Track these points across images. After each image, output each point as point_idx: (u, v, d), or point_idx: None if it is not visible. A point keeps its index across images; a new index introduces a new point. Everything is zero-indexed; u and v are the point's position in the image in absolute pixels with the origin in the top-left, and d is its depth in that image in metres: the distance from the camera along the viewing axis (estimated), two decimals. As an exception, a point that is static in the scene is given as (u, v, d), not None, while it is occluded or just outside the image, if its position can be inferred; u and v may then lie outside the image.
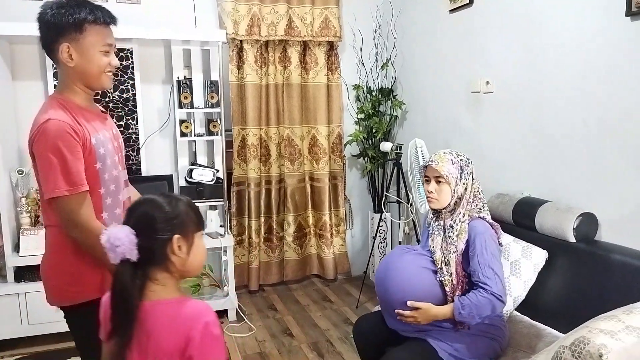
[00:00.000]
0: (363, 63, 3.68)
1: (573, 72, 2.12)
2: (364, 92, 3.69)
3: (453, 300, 1.76)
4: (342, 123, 3.71)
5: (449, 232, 1.82)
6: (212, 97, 3.15)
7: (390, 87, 3.62)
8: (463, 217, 1.80)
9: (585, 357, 1.30)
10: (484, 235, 1.75)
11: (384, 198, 3.42)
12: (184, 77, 3.15)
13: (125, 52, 3.08)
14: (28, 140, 1.42)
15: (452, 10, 2.90)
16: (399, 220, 3.34)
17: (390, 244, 3.58)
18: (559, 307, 2.00)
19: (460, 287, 1.78)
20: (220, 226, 3.22)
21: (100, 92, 2.71)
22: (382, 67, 3.59)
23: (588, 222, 1.99)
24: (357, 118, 3.71)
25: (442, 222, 1.87)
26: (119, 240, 1.09)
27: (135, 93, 3.13)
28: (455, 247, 1.78)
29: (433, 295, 1.79)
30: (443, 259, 1.80)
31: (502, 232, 2.23)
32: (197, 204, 3.69)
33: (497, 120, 2.61)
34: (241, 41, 3.33)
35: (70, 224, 1.39)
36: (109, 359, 1.14)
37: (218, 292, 3.16)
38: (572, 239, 1.98)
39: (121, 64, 3.07)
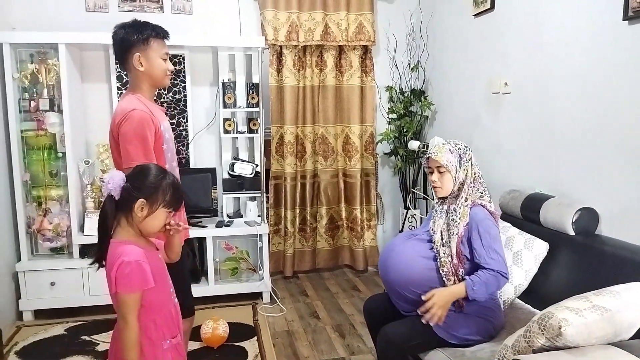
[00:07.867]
0: (397, 66, 3.87)
1: (577, 74, 2.23)
2: (396, 94, 3.87)
3: (447, 283, 1.93)
4: (375, 123, 3.92)
5: (452, 215, 1.96)
6: (252, 98, 3.46)
7: (421, 89, 3.79)
8: (465, 201, 1.95)
9: (548, 329, 1.46)
10: (485, 221, 1.91)
11: (410, 195, 3.59)
12: (228, 79, 3.48)
13: (178, 57, 3.46)
14: (114, 124, 1.83)
15: (476, 15, 3.04)
16: (427, 216, 3.49)
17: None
18: (558, 296, 2.09)
19: (460, 266, 1.92)
20: (258, 216, 3.53)
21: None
22: (412, 69, 3.77)
23: (588, 217, 2.10)
24: (389, 118, 3.90)
25: (445, 207, 2.03)
26: (112, 179, 1.44)
27: (186, 94, 3.50)
28: (457, 229, 1.93)
29: (428, 278, 1.94)
30: (442, 240, 1.96)
31: (510, 225, 2.38)
32: (236, 195, 3.92)
33: (513, 119, 2.73)
34: (281, 46, 3.62)
35: None
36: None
37: (255, 275, 3.46)
38: (572, 232, 2.10)
39: (175, 69, 3.45)
